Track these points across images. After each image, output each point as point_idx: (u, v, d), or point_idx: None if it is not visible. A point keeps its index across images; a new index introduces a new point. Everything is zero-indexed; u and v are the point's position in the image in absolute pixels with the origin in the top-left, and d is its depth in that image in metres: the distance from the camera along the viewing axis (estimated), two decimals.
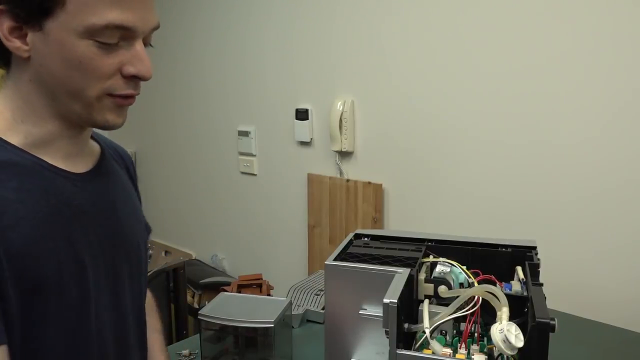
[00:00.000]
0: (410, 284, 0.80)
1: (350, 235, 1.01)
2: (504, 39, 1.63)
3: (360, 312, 0.85)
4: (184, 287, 2.41)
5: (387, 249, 0.93)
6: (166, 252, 2.50)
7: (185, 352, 1.28)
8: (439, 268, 0.85)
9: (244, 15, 2.44)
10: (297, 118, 2.24)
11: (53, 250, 0.68)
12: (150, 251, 3.01)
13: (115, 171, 0.85)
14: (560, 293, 1.39)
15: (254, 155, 2.53)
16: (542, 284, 0.77)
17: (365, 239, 1.01)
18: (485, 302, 0.73)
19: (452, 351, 0.70)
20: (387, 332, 0.70)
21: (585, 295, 1.54)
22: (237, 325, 1.13)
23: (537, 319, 0.65)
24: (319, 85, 2.17)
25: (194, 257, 2.93)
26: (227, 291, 1.47)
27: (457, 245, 0.94)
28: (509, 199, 1.68)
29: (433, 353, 0.69)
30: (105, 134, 0.85)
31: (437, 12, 1.76)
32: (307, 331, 1.39)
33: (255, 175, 2.55)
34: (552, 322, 0.64)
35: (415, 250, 0.91)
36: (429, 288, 0.82)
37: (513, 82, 1.63)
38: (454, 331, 0.78)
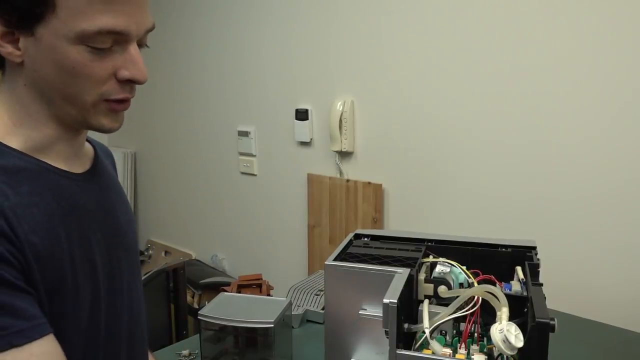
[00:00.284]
0: (410, 284, 0.80)
1: (350, 236, 1.02)
2: (504, 38, 1.63)
3: (360, 312, 0.85)
4: (183, 287, 2.40)
5: (387, 249, 0.93)
6: (166, 252, 2.50)
7: (185, 352, 1.28)
8: (438, 268, 0.85)
9: (244, 15, 2.44)
10: (297, 118, 2.24)
11: (69, 251, 0.69)
12: (150, 251, 3.02)
13: (108, 170, 0.86)
14: (560, 293, 1.39)
15: (254, 156, 2.53)
16: (541, 284, 0.77)
17: (365, 239, 1.01)
18: (485, 302, 0.73)
19: (452, 351, 0.70)
20: (387, 332, 0.70)
21: (585, 295, 1.54)
22: (237, 325, 1.13)
23: (537, 319, 0.65)
24: (318, 86, 2.17)
25: (194, 257, 2.93)
26: (227, 291, 1.47)
27: (457, 246, 0.94)
28: (509, 199, 1.68)
29: (433, 353, 0.69)
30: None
31: (437, 12, 1.77)
32: (307, 331, 1.39)
33: (255, 175, 2.55)
34: (552, 322, 0.64)
35: (415, 250, 0.91)
36: (428, 288, 0.82)
37: (513, 82, 1.63)
38: (454, 331, 0.78)
